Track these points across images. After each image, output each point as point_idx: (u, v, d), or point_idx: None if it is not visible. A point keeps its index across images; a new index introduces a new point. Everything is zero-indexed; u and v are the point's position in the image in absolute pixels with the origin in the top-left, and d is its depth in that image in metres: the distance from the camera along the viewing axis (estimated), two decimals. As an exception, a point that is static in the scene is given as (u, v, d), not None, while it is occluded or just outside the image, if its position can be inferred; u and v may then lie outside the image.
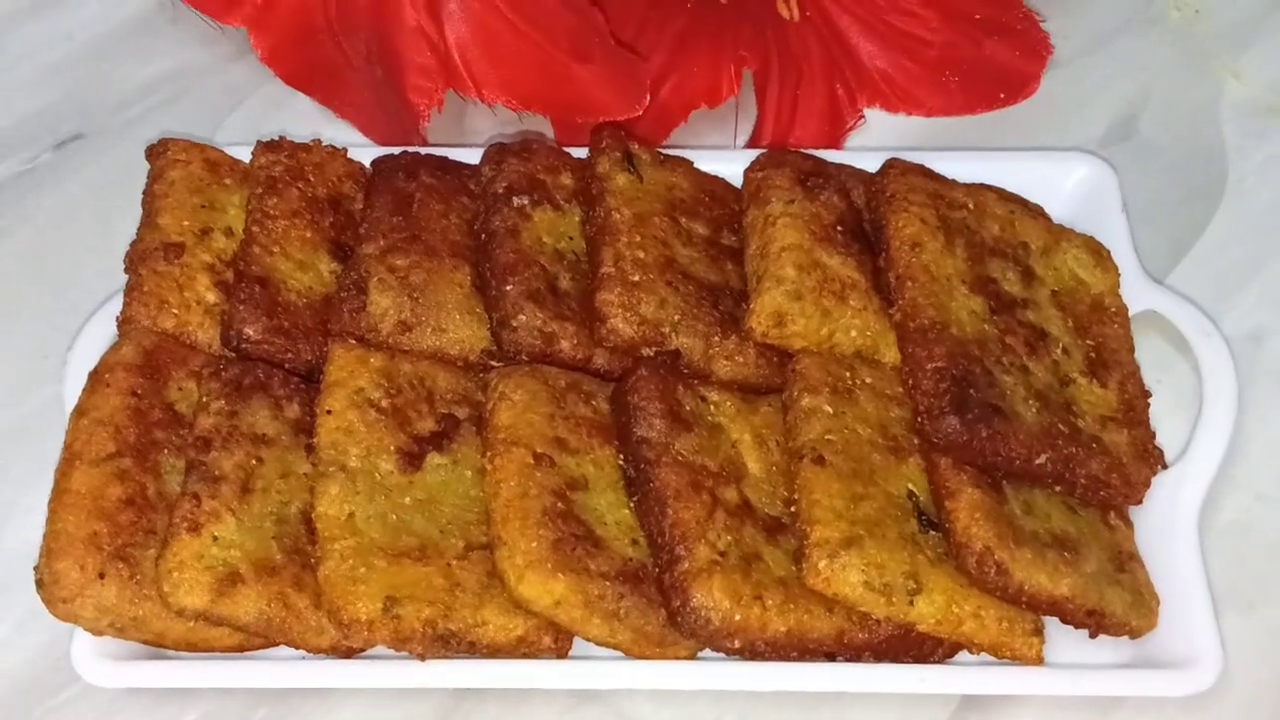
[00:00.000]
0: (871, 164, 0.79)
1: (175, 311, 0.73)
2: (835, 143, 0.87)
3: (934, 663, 0.67)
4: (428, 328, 0.72)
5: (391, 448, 0.68)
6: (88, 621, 0.66)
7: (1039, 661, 0.67)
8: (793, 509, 0.68)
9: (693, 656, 0.67)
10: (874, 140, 0.87)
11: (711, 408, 0.71)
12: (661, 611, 0.65)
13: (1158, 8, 0.93)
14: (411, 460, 0.69)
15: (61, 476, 0.67)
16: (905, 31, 0.88)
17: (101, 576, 0.65)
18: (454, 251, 0.74)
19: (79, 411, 0.69)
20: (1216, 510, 0.73)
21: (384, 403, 0.69)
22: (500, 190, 0.75)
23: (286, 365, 0.72)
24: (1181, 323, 0.75)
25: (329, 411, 0.69)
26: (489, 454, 0.68)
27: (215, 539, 0.65)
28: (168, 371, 0.71)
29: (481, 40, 0.80)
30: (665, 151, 0.79)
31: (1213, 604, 0.68)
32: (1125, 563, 0.69)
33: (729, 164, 0.80)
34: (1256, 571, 0.72)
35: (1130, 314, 0.76)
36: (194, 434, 0.68)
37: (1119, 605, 0.67)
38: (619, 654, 0.67)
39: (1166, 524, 0.70)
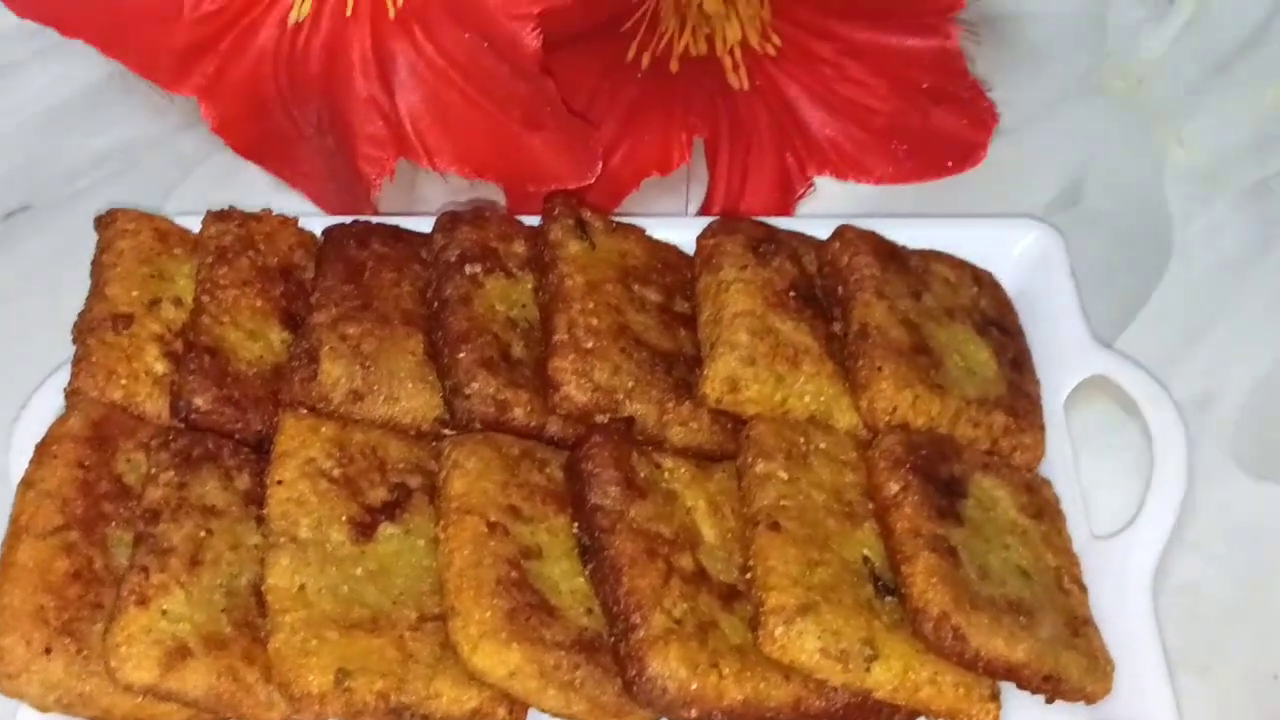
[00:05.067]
0: (822, 230, 0.80)
1: (124, 382, 0.72)
2: (786, 209, 0.88)
3: (891, 730, 0.67)
4: (380, 396, 0.72)
5: (343, 518, 0.68)
6: (34, 698, 0.64)
7: (996, 727, 0.66)
8: (748, 576, 0.67)
9: (649, 727, 0.67)
10: (824, 207, 0.88)
11: (666, 474, 0.70)
12: (617, 681, 0.65)
13: (1101, 77, 0.95)
14: (363, 530, 0.68)
15: (7, 550, 0.66)
16: (853, 100, 0.88)
17: (48, 652, 0.63)
18: (406, 320, 0.74)
19: (26, 484, 0.68)
20: (1169, 573, 0.73)
21: (335, 472, 0.69)
22: (453, 258, 0.75)
23: (236, 436, 0.71)
24: (1131, 386, 0.76)
25: (279, 482, 0.68)
26: (442, 523, 0.67)
27: (164, 612, 0.64)
28: (116, 443, 0.71)
29: (433, 109, 0.80)
30: (618, 219, 0.80)
31: (1167, 667, 0.68)
32: (1080, 627, 0.69)
33: (681, 231, 0.80)
34: (1210, 633, 0.72)
35: (1079, 379, 0.77)
36: (142, 506, 0.68)
37: (1074, 670, 0.67)
38: (574, 725, 0.66)
39: (1120, 588, 0.70)
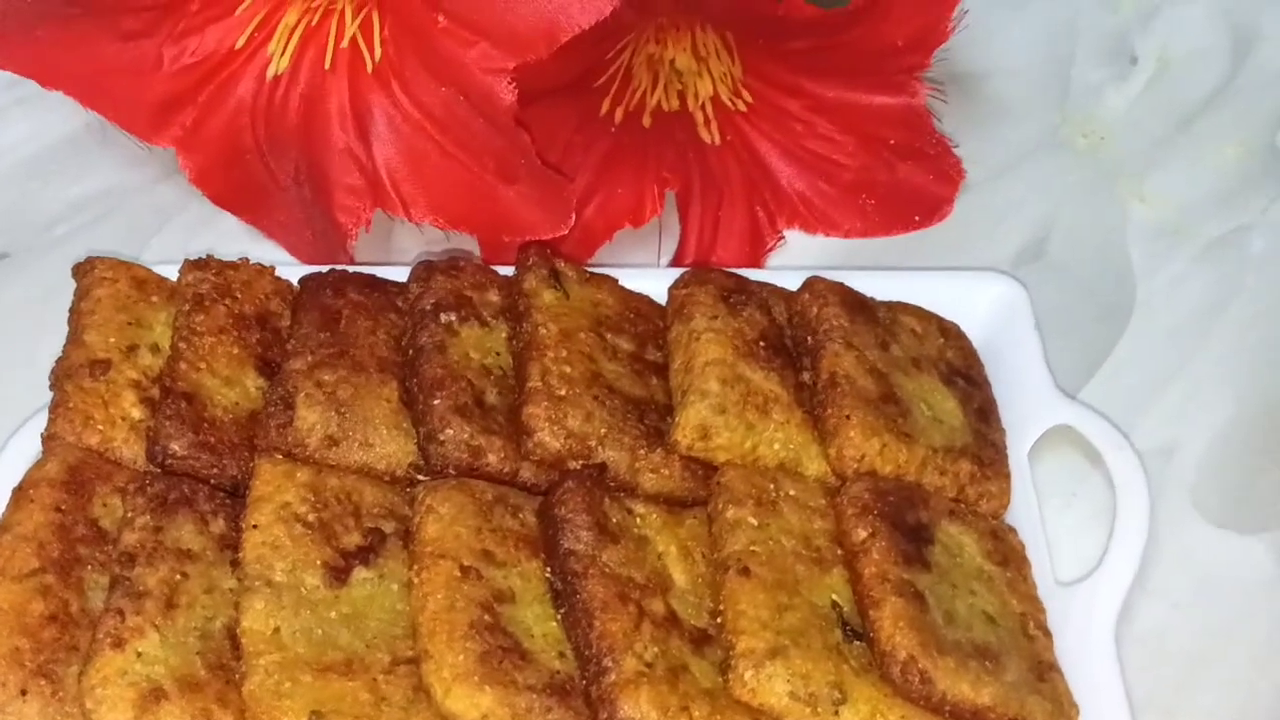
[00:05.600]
0: (792, 282, 0.81)
1: (100, 428, 0.73)
2: (756, 261, 0.89)
3: (859, 773, 0.68)
4: (355, 442, 0.73)
5: (318, 562, 0.68)
6: (9, 740, 0.65)
7: (962, 770, 0.67)
8: (718, 620, 0.68)
9: (620, 770, 0.67)
10: (794, 259, 0.89)
11: (638, 520, 0.71)
12: (589, 724, 0.65)
13: (1065, 133, 0.97)
14: (338, 574, 0.69)
15: (-16, 593, 0.66)
16: (822, 156, 0.90)
17: (24, 694, 0.64)
18: (381, 367, 0.75)
19: (2, 527, 0.68)
20: (1133, 619, 0.74)
21: (310, 517, 0.69)
22: (428, 307, 0.76)
23: (212, 481, 0.72)
24: (1094, 436, 0.77)
25: (255, 526, 0.69)
26: (416, 567, 0.68)
27: (139, 655, 0.64)
28: (92, 488, 0.71)
29: (409, 161, 0.81)
30: (591, 269, 0.81)
31: (1131, 713, 0.69)
32: (1045, 672, 0.70)
33: (654, 281, 0.82)
34: (1174, 679, 0.73)
35: (1044, 428, 0.78)
36: (118, 549, 0.68)
37: (1039, 714, 0.67)
38: (545, 768, 0.66)
39: (1084, 634, 0.71)
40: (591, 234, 0.86)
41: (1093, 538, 0.75)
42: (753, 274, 0.83)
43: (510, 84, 0.76)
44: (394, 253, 0.87)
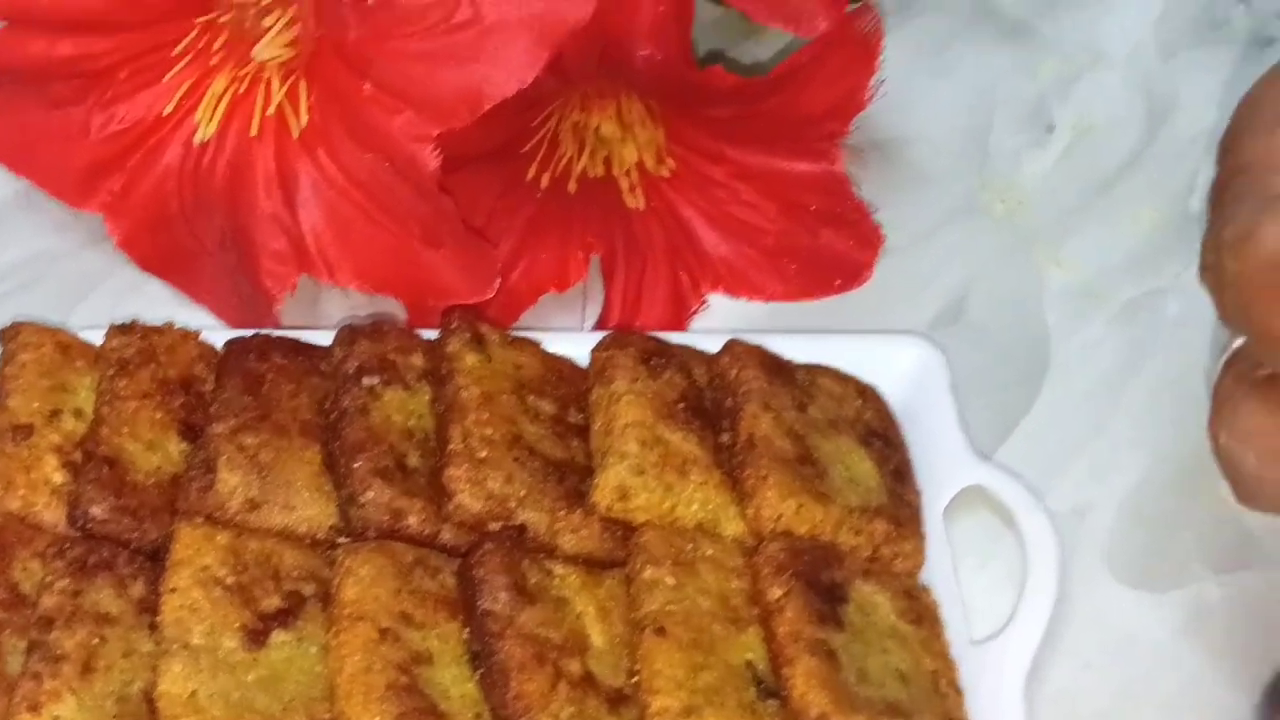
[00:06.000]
0: (715, 345, 0.83)
1: (22, 492, 0.73)
2: (680, 325, 0.90)
3: (775, 832, 0.68)
4: (276, 505, 0.73)
5: (236, 625, 0.69)
6: (-78, 806, 0.65)
7: (876, 828, 0.68)
8: (635, 680, 0.69)
9: (536, 830, 0.68)
10: (717, 322, 0.90)
11: (556, 581, 0.72)
12: (505, 785, 0.66)
13: (983, 199, 0.99)
14: (256, 638, 0.69)
15: (-98, 657, 0.66)
16: (745, 221, 0.91)
17: (-65, 758, 0.64)
18: (304, 431, 0.76)
19: (-80, 592, 0.69)
20: (1045, 679, 0.75)
21: (229, 580, 0.70)
22: (351, 370, 0.77)
23: (133, 545, 0.72)
24: (1006, 496, 0.79)
25: (173, 589, 0.69)
26: (334, 629, 0.68)
27: (55, 719, 0.64)
28: (12, 552, 0.71)
29: (335, 226, 0.82)
30: (515, 333, 0.82)
31: (1040, 768, 0.70)
32: (956, 729, 0.71)
33: (577, 345, 0.83)
34: (1081, 737, 0.75)
35: (958, 489, 0.79)
36: (36, 613, 0.68)
37: (949, 770, 0.69)
38: (463, 830, 0.67)
39: (994, 691, 0.72)
40: (516, 298, 0.87)
41: (1007, 597, 0.76)
42: (676, 337, 0.84)
43: (434, 151, 0.78)
44: (320, 317, 0.88)
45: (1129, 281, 0.95)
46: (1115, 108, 1.04)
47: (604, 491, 0.74)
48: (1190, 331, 0.92)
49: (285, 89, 0.82)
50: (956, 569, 0.78)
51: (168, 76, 0.83)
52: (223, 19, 0.83)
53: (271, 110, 0.82)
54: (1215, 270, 0.55)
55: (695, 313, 0.91)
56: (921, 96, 1.03)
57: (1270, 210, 0.56)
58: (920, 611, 0.75)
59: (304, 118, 0.81)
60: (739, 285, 0.92)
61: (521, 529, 0.73)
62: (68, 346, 0.79)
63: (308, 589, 0.71)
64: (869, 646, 0.72)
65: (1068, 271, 0.96)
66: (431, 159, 0.78)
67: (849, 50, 0.82)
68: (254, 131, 0.83)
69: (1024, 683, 0.73)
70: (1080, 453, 0.86)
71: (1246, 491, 0.64)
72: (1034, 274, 0.95)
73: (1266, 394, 0.62)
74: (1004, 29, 1.07)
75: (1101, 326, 0.93)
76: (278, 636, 0.69)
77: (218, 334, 0.81)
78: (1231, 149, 0.62)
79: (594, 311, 0.90)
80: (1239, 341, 0.64)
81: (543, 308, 0.87)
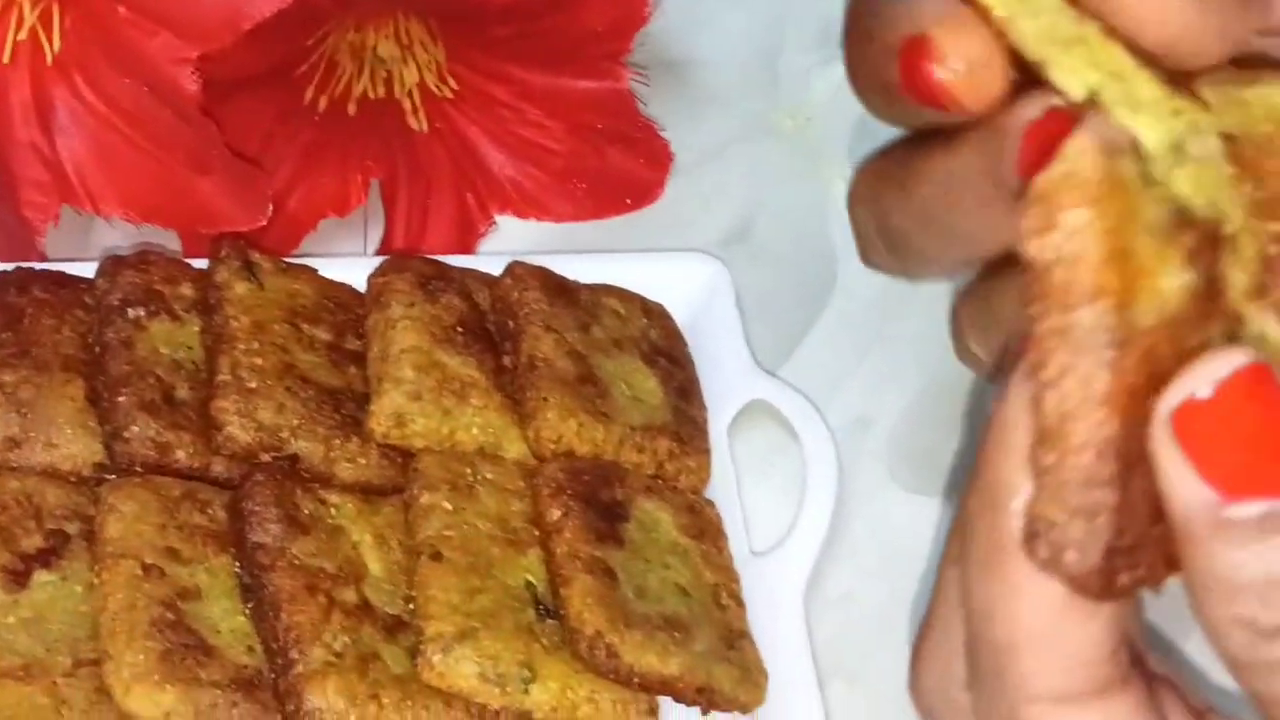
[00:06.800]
0: (502, 267, 0.82)
1: None
2: (468, 248, 0.89)
3: (556, 751, 0.68)
4: (38, 443, 0.71)
5: (-5, 567, 0.67)
6: None
7: (654, 742, 0.69)
8: (412, 607, 0.68)
9: (313, 760, 0.67)
10: (506, 245, 0.89)
11: (331, 510, 0.71)
12: (277, 717, 0.65)
13: (772, 117, 0.99)
14: (17, 578, 0.67)
15: None
16: (532, 141, 0.90)
17: None
18: (66, 366, 0.73)
19: None
20: (825, 587, 0.77)
21: (-12, 521, 0.68)
22: (115, 302, 0.75)
23: (-112, 488, 0.70)
24: (787, 410, 0.79)
25: (-72, 534, 0.67)
26: (97, 568, 0.67)
27: None
28: None
29: (96, 154, 0.79)
30: (295, 260, 0.80)
31: (817, 676, 0.71)
32: (735, 640, 0.71)
33: (358, 271, 0.81)
34: (861, 643, 0.76)
35: (741, 404, 0.80)
36: None
37: (727, 682, 0.69)
38: (235, 763, 0.66)
39: (774, 601, 0.74)
40: (296, 225, 0.85)
41: (788, 508, 0.77)
42: (464, 261, 0.83)
43: (194, 74, 0.75)
44: (93, 248, 0.85)
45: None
46: (906, 24, 1.05)
47: (380, 418, 0.73)
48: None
49: (38, 12, 0.78)
50: (740, 483, 0.79)
51: (-87, 1, 0.80)
52: (-31, -61, 0.79)
53: (24, 35, 0.79)
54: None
55: (483, 235, 0.90)
56: (712, 17, 1.02)
57: None
58: (703, 526, 0.76)
59: (57, 42, 0.78)
60: (528, 207, 0.91)
61: (294, 459, 0.72)
62: None
63: (72, 528, 0.69)
64: (650, 563, 0.72)
65: (855, 187, 0.96)
66: (192, 82, 0.75)
67: (625, -35, 0.82)
68: (6, 58, 0.79)
69: (803, 591, 0.74)
70: (861, 366, 0.87)
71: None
72: (820, 190, 0.95)
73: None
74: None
75: (886, 242, 0.94)
76: (40, 577, 0.68)
77: (-20, 269, 0.78)
78: None
79: (377, 236, 0.88)
80: None
81: (326, 234, 0.85)
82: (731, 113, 0.98)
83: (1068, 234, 0.42)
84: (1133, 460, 0.44)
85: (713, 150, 0.96)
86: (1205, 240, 0.44)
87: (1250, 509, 0.43)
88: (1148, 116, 0.45)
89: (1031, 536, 0.44)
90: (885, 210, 0.59)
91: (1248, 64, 0.50)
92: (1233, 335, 0.45)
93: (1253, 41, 0.51)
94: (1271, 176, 0.46)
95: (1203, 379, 0.44)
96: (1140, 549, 0.44)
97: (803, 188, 0.96)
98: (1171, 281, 0.43)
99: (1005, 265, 0.57)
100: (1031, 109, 0.48)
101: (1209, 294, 0.44)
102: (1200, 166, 0.45)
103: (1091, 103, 0.45)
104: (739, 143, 0.97)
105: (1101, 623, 0.46)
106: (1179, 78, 0.47)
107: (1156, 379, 0.44)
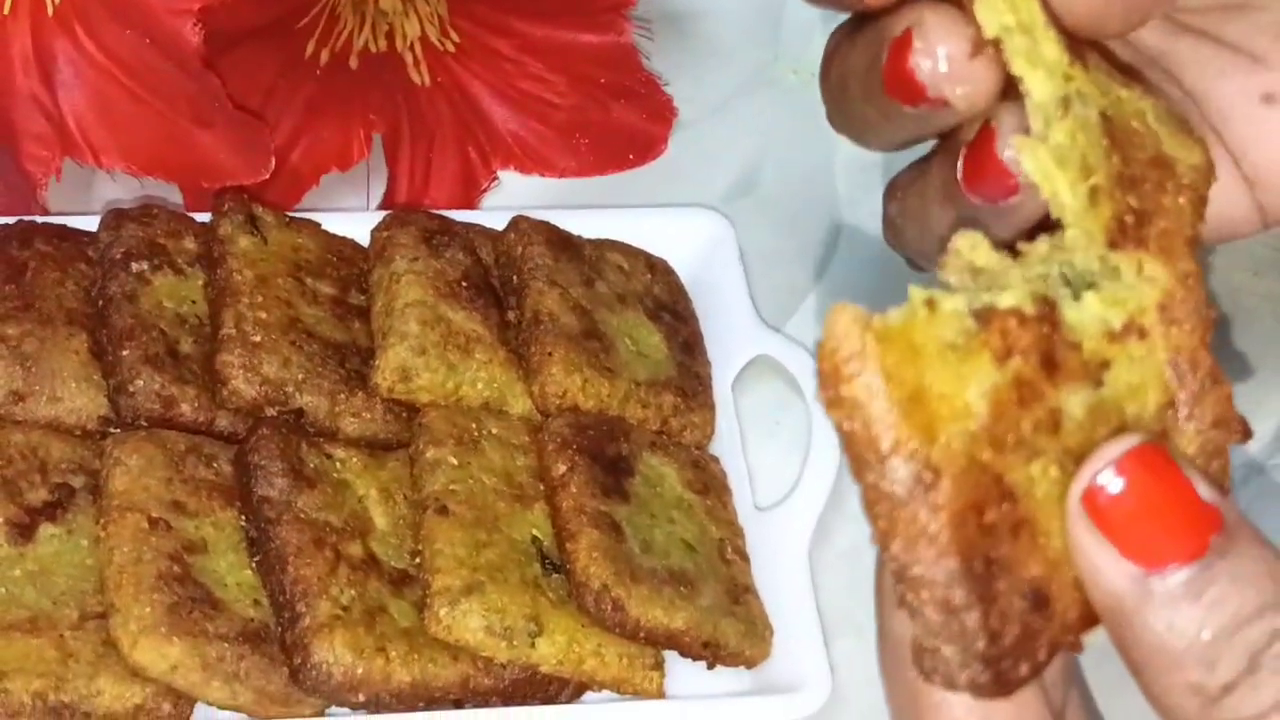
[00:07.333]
0: (504, 222, 0.81)
1: None
2: (470, 203, 0.89)
3: (561, 703, 0.69)
4: (42, 397, 0.71)
5: (1, 520, 0.67)
6: None
7: (660, 695, 0.69)
8: (418, 561, 0.69)
9: (320, 714, 0.67)
10: (508, 200, 0.89)
11: (337, 464, 0.71)
12: (284, 670, 0.65)
13: (776, 71, 0.98)
14: (23, 532, 0.67)
15: None
16: (535, 96, 0.90)
17: None
18: (70, 319, 0.73)
19: None
20: (832, 542, 0.76)
21: (-7, 474, 0.68)
22: (118, 256, 0.74)
23: (-111, 442, 0.69)
24: (792, 365, 0.79)
25: (-68, 487, 0.67)
26: (103, 521, 0.67)
27: None
28: None
29: (97, 107, 0.79)
30: (297, 214, 0.80)
31: (822, 630, 0.71)
32: (741, 595, 0.72)
33: (362, 225, 0.81)
34: (866, 597, 0.75)
35: (746, 359, 0.80)
36: None
37: (733, 636, 0.69)
38: (242, 716, 0.66)
39: (779, 556, 0.74)
40: (298, 179, 0.84)
41: (795, 464, 0.77)
42: (467, 215, 0.83)
43: (196, 26, 0.75)
44: (95, 202, 0.84)
45: (919, 149, 0.95)
46: (909, -23, 1.04)
47: (385, 373, 0.73)
48: (979, 198, 0.93)
49: (39, -37, 0.78)
50: (745, 438, 0.79)
51: (-87, -48, 0.79)
52: (-31, -111, 0.79)
53: (24, -14, 0.78)
54: None
55: (486, 190, 0.90)
56: (716, -30, 1.02)
57: None
58: (708, 481, 0.76)
59: (59, -7, 0.78)
60: (531, 161, 0.91)
61: (299, 413, 0.72)
62: None
63: (77, 481, 0.69)
64: (655, 518, 0.72)
65: (859, 141, 0.96)
66: (193, 34, 0.75)
67: (627, -83, 0.81)
68: (6, 10, 0.78)
69: (808, 546, 0.74)
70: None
71: None
72: (825, 144, 0.95)
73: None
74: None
75: (891, 195, 0.93)
76: (46, 530, 0.68)
77: (-18, 223, 0.77)
78: None
79: (380, 191, 0.88)
80: None
81: (329, 188, 0.85)
82: (735, 67, 0.98)
83: (853, 406, 0.45)
84: (994, 566, 0.46)
85: (716, 105, 0.95)
86: (1020, 315, 0.47)
87: (1175, 577, 0.45)
88: (1043, 73, 0.49)
89: (922, 666, 0.47)
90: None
91: (1129, 72, 0.56)
92: (1089, 365, 0.47)
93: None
94: (1135, 161, 0.50)
95: (1104, 463, 0.46)
96: (1029, 638, 0.47)
97: (807, 142, 0.95)
98: (978, 390, 0.45)
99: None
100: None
101: (1044, 360, 0.47)
102: (1080, 126, 0.49)
103: (997, 41, 0.50)
104: (743, 97, 0.97)
105: (1029, 706, 0.48)
106: (1078, 50, 0.51)
107: (997, 480, 0.46)
